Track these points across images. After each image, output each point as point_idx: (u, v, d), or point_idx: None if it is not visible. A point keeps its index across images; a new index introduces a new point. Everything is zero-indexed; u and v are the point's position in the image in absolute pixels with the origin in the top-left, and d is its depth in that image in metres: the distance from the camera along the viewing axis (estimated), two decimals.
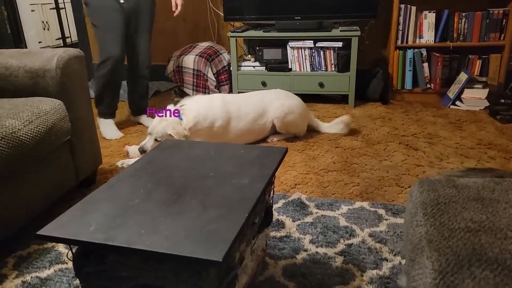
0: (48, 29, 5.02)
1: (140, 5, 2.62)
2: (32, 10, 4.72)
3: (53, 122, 1.62)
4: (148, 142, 2.16)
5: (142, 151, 2.15)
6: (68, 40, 4.84)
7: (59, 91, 1.73)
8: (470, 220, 0.71)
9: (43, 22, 4.93)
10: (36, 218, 1.59)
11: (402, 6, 3.07)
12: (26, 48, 4.45)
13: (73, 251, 0.99)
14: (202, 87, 3.27)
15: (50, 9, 4.95)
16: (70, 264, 1.45)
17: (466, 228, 0.69)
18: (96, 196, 1.07)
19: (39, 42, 4.84)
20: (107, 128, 2.74)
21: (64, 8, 4.90)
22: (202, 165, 1.21)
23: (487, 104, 2.93)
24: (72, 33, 4.81)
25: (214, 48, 3.36)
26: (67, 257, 1.49)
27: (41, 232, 0.92)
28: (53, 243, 1.56)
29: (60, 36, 4.74)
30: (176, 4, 2.75)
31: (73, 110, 1.76)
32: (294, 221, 1.65)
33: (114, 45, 2.58)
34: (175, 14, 2.77)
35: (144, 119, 2.92)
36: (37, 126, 1.54)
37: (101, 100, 2.73)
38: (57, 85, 1.72)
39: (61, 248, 1.55)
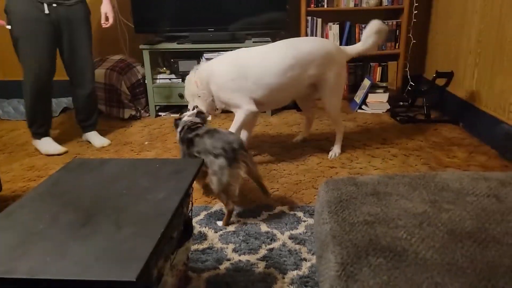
0: None
1: (71, 14, 2.42)
2: None
3: None
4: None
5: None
6: None
7: None
8: (367, 213, 0.78)
9: None
10: None
11: (309, 18, 3.27)
12: None
13: None
14: (116, 102, 3.14)
15: None
16: None
17: (364, 221, 0.75)
18: None
19: None
20: (47, 146, 2.56)
21: None
22: (114, 183, 1.17)
23: (388, 107, 3.22)
24: None
25: (126, 61, 3.26)
26: None
27: None
28: None
29: None
30: (107, 17, 2.59)
31: None
32: (217, 232, 1.66)
33: (36, 60, 2.37)
34: (104, 26, 2.61)
35: (91, 136, 2.71)
36: None
37: (33, 120, 2.52)
38: None
39: None
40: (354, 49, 2.36)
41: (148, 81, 3.17)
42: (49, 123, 2.62)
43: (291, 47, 2.16)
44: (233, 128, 2.20)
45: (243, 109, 2.17)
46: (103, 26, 2.62)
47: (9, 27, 2.32)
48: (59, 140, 2.78)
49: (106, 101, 3.16)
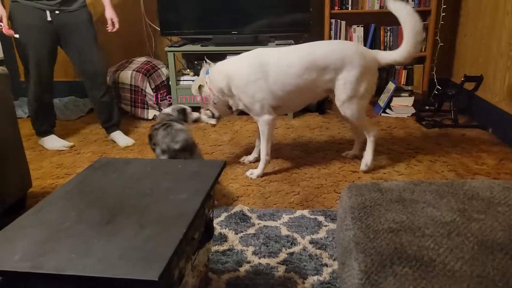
0: None
1: (74, 20, 2.50)
2: None
3: None
4: None
5: None
6: None
7: None
8: (393, 221, 0.76)
9: None
10: None
11: (333, 21, 3.24)
12: None
13: None
14: (140, 103, 3.20)
15: None
16: None
17: (389, 229, 0.73)
18: (22, 221, 1.00)
19: None
20: (51, 142, 2.68)
21: None
22: (138, 183, 1.18)
23: (414, 111, 3.15)
24: None
25: (151, 63, 3.31)
26: None
27: None
28: None
29: None
30: (113, 22, 2.66)
31: None
32: (237, 234, 1.66)
33: (37, 67, 2.49)
34: (110, 31, 2.67)
35: (115, 136, 2.77)
36: None
37: (35, 119, 2.66)
38: None
39: None
40: (389, 56, 2.12)
41: (172, 82, 3.21)
42: (51, 122, 2.73)
43: (309, 49, 2.12)
44: (263, 140, 2.19)
45: (262, 118, 2.15)
46: (108, 31, 2.67)
47: (17, 36, 2.41)
48: (86, 139, 2.86)
49: (131, 102, 3.21)
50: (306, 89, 2.13)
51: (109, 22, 2.65)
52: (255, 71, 2.08)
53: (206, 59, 2.32)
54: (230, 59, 2.25)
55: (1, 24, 2.30)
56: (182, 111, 2.02)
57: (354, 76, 2.07)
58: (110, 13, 2.65)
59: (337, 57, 2.07)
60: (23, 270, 0.82)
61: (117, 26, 2.68)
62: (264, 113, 2.14)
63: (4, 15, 2.33)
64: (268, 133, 2.17)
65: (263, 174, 2.22)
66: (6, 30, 2.34)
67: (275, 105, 2.15)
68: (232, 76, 2.13)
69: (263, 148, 2.20)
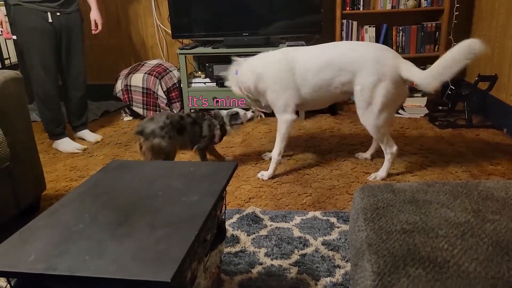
0: None
1: (70, 22, 2.60)
2: None
3: None
4: None
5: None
6: (7, 62, 4.61)
7: None
8: (406, 222, 0.75)
9: None
10: None
11: (344, 21, 3.22)
12: None
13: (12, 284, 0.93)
14: (152, 105, 3.23)
15: None
16: None
17: (401, 230, 0.73)
18: (37, 223, 1.02)
19: None
20: (64, 145, 2.73)
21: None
22: (150, 185, 1.19)
23: (427, 111, 3.11)
24: (12, 54, 4.59)
25: (163, 65, 3.34)
26: None
27: None
28: None
29: None
30: (96, 24, 2.78)
31: (12, 135, 1.67)
32: (249, 235, 1.66)
33: (43, 69, 2.54)
34: (94, 32, 2.81)
35: (84, 134, 2.90)
36: None
37: (46, 123, 2.71)
38: None
39: (1, 282, 1.45)
40: (408, 72, 1.97)
41: (183, 85, 3.23)
42: (63, 124, 2.77)
43: (329, 48, 2.12)
44: (278, 139, 2.19)
45: (284, 117, 2.15)
46: (93, 33, 2.80)
47: (14, 37, 2.50)
48: (99, 142, 2.89)
49: (143, 104, 3.24)
50: (321, 88, 2.09)
51: (92, 23, 2.77)
52: (284, 68, 2.10)
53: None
54: (259, 58, 2.26)
55: (1, 29, 2.38)
56: (235, 115, 2.28)
57: (371, 83, 1.96)
58: (95, 15, 2.77)
59: (350, 59, 2.00)
60: (37, 272, 0.83)
61: (100, 28, 2.79)
62: (286, 112, 2.15)
63: (4, 20, 2.42)
64: (285, 133, 2.17)
65: (275, 176, 2.21)
66: (6, 35, 2.42)
67: (299, 103, 2.15)
68: (261, 73, 2.15)
69: (276, 147, 2.19)
